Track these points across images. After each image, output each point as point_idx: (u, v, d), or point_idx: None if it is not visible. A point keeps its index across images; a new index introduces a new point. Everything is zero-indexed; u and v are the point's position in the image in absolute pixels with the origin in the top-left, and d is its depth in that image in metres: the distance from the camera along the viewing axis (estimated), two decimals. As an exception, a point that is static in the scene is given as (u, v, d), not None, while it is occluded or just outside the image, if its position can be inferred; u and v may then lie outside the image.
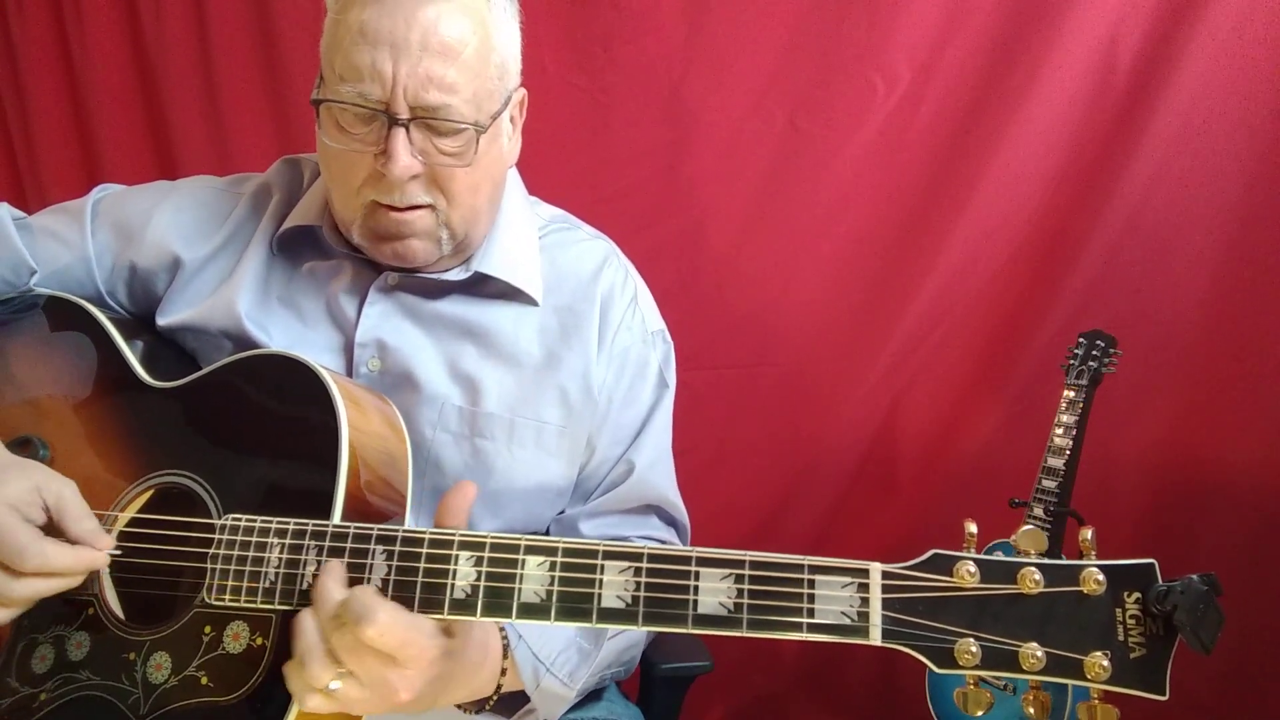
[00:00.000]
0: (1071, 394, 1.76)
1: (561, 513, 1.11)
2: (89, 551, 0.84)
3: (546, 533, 1.11)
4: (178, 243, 1.08)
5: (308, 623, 0.75)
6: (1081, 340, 1.78)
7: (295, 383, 0.88)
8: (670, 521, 1.15)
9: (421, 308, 1.06)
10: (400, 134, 0.91)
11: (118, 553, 0.86)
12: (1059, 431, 1.75)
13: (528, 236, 1.12)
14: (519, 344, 1.07)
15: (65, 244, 1.09)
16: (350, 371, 1.04)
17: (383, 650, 0.73)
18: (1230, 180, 1.88)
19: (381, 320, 1.05)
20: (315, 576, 0.78)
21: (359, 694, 0.75)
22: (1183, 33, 1.84)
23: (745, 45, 2.01)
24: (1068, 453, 1.73)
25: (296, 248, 1.09)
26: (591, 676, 1.01)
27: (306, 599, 0.78)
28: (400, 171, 0.92)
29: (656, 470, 1.13)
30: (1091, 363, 1.75)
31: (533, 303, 1.08)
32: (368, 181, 0.95)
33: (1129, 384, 1.88)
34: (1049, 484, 1.73)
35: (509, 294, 1.08)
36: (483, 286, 1.08)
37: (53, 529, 0.84)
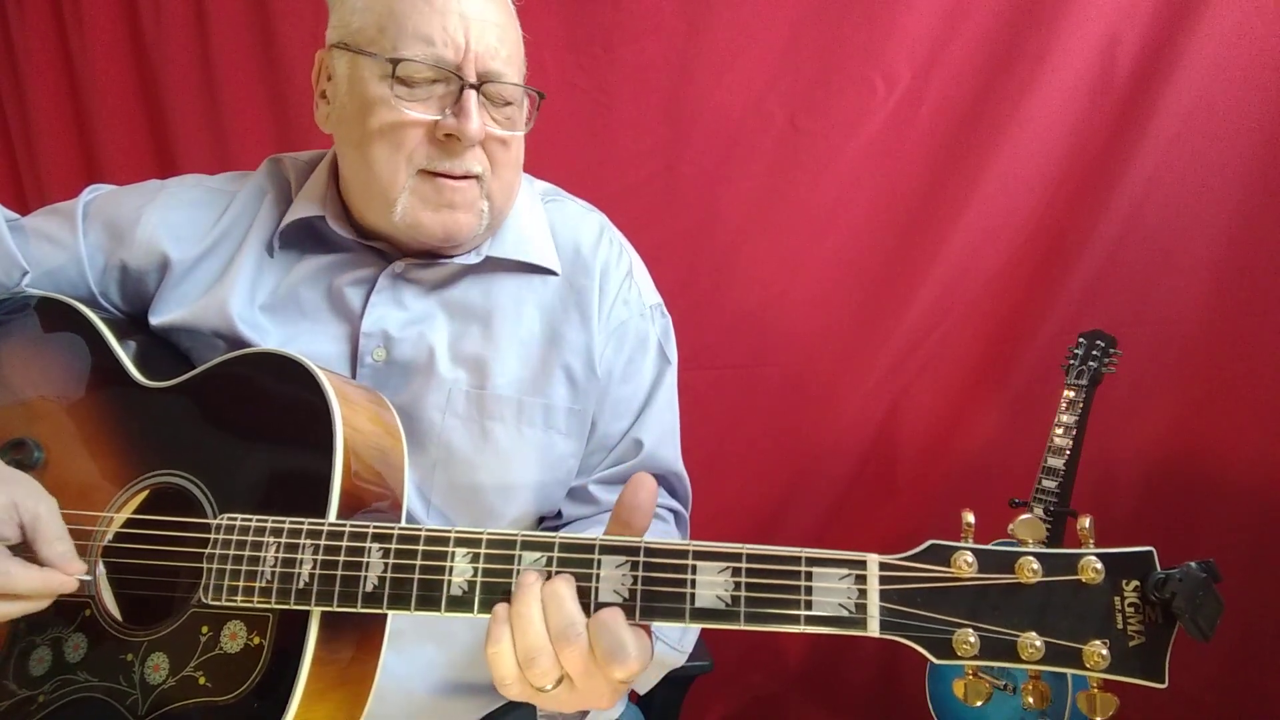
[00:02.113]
0: (1071, 394, 1.76)
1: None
2: (56, 576, 0.82)
3: (558, 516, 1.11)
4: (167, 241, 1.07)
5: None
6: (1081, 340, 1.78)
7: (289, 381, 0.88)
8: (672, 491, 1.17)
9: (428, 295, 1.06)
10: (473, 96, 0.95)
11: (88, 577, 0.85)
12: (1059, 431, 1.75)
13: (533, 210, 1.13)
14: (522, 323, 1.07)
15: (57, 244, 1.08)
16: (355, 361, 1.03)
17: None
18: (1230, 180, 1.88)
19: (388, 309, 1.04)
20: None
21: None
22: (1183, 33, 1.84)
23: (745, 45, 2.02)
24: (1068, 453, 1.73)
25: (296, 243, 1.08)
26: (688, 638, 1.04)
27: (303, 597, 0.77)
28: (475, 132, 0.95)
29: (665, 445, 1.14)
30: (1091, 363, 1.75)
31: (552, 273, 1.09)
32: (420, 148, 0.97)
33: (1129, 384, 1.88)
34: (1049, 484, 1.73)
35: (522, 271, 1.09)
36: (492, 268, 1.08)
37: (27, 548, 0.83)
